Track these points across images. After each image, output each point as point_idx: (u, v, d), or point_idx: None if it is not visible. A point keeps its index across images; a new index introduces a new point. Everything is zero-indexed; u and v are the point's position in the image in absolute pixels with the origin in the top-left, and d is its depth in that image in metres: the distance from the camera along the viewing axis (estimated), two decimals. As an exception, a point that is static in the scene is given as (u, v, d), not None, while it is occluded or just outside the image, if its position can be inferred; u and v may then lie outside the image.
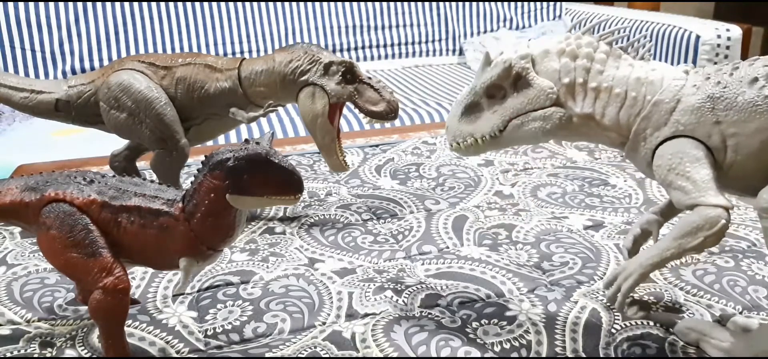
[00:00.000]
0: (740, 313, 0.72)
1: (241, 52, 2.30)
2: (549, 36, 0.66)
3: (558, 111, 0.63)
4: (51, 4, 2.12)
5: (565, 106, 0.63)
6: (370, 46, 2.48)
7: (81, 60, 2.13)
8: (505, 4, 2.66)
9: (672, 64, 2.21)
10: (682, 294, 0.75)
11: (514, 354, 0.65)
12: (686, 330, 0.66)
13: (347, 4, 2.46)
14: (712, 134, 0.59)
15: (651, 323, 0.69)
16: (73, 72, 2.11)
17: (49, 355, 0.65)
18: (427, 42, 2.55)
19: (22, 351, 0.66)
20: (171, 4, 2.25)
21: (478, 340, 0.67)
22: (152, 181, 0.63)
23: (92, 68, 2.13)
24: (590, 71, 0.63)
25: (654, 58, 2.26)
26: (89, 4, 2.16)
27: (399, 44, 2.51)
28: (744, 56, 2.17)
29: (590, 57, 0.63)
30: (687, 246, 0.58)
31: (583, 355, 0.65)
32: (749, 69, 0.58)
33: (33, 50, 2.09)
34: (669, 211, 0.72)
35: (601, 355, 0.65)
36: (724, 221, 0.57)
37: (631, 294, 0.65)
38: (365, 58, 2.46)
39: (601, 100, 0.63)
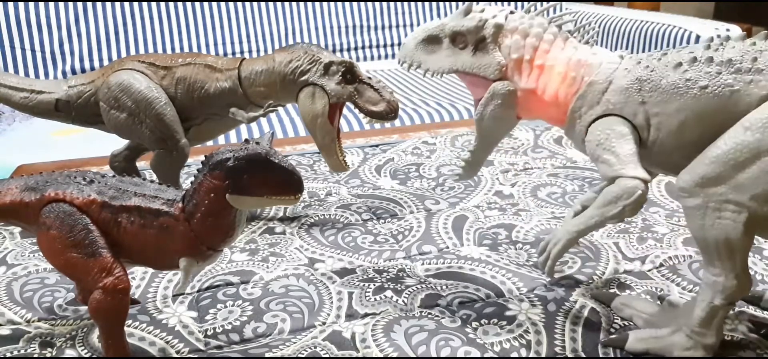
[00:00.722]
0: (734, 308, 0.72)
1: (241, 52, 2.30)
2: (502, 8, 0.71)
3: (505, 83, 0.68)
4: (51, 4, 2.11)
5: (511, 80, 0.68)
6: (370, 46, 2.47)
7: (81, 60, 2.13)
8: (505, 4, 2.66)
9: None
10: (677, 290, 0.75)
11: (514, 354, 0.65)
12: (621, 305, 0.71)
13: (347, 4, 2.45)
14: (638, 113, 0.63)
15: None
16: (73, 72, 2.11)
17: (49, 355, 0.65)
18: (427, 42, 2.55)
19: (22, 351, 0.66)
20: (171, 4, 2.25)
21: (478, 340, 0.67)
22: (152, 181, 0.63)
23: (92, 68, 2.13)
24: (538, 50, 0.68)
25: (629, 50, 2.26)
26: (89, 4, 2.16)
27: (399, 44, 2.51)
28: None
29: (539, 37, 0.68)
30: (608, 214, 0.62)
31: (583, 355, 0.65)
32: (676, 55, 0.62)
33: (33, 50, 2.09)
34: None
35: (601, 355, 0.65)
36: (640, 192, 0.61)
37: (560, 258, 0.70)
38: (365, 58, 2.46)
39: (543, 77, 0.68)
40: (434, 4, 2.56)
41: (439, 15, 2.56)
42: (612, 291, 0.75)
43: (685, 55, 0.61)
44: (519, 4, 2.67)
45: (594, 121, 0.65)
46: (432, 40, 0.71)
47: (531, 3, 0.73)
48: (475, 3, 0.71)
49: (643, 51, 2.31)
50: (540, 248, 0.72)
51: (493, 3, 0.75)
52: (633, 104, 0.63)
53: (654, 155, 0.64)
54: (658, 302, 0.72)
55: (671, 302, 0.71)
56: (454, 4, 2.58)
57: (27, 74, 2.06)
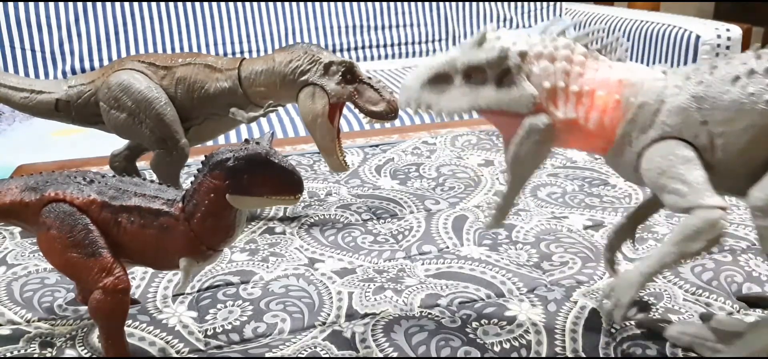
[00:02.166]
0: (737, 311, 0.72)
1: (241, 52, 2.30)
2: (520, 33, 0.63)
3: (542, 117, 0.60)
4: (51, 4, 2.11)
5: (548, 111, 0.60)
6: (370, 46, 2.47)
7: (81, 60, 2.13)
8: (505, 4, 2.66)
9: (672, 64, 2.21)
10: (681, 293, 0.75)
11: (514, 354, 0.65)
12: (678, 334, 0.66)
13: (347, 4, 2.45)
14: (699, 134, 0.58)
15: (652, 323, 0.69)
16: (73, 72, 2.11)
17: (49, 355, 0.65)
18: (427, 42, 2.55)
19: (22, 351, 0.66)
20: (171, 4, 2.25)
21: (478, 340, 0.67)
22: (152, 181, 0.63)
23: (92, 68, 2.12)
24: (570, 75, 0.61)
25: (655, 59, 2.26)
26: (89, 4, 2.16)
27: (399, 44, 2.51)
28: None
29: (569, 59, 0.61)
30: (688, 251, 0.56)
31: (583, 355, 0.65)
32: (728, 68, 0.58)
33: (33, 50, 2.09)
34: (642, 214, 0.72)
35: (601, 355, 0.65)
36: (723, 223, 0.55)
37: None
38: (365, 58, 2.46)
39: (583, 104, 0.61)
40: (434, 4, 2.56)
41: (439, 14, 2.56)
42: (656, 318, 0.70)
43: (739, 68, 0.57)
44: (517, 4, 2.67)
45: (648, 146, 0.59)
46: (441, 79, 0.63)
47: (529, 2, 0.68)
48: (489, 30, 0.62)
49: (643, 51, 2.32)
50: (604, 290, 0.62)
51: (504, 27, 0.68)
52: (693, 125, 0.58)
53: (719, 177, 0.58)
54: (701, 320, 0.69)
55: (726, 323, 0.66)
56: (454, 3, 2.58)
57: (27, 74, 2.06)
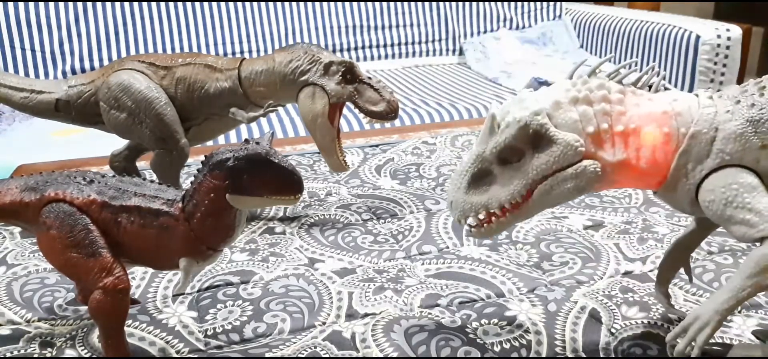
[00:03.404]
0: (739, 312, 0.72)
1: (241, 52, 2.30)
2: (547, 89, 0.60)
3: (591, 164, 0.57)
4: (51, 4, 2.11)
5: (596, 156, 0.57)
6: (370, 46, 2.47)
7: (81, 60, 2.13)
8: (505, 4, 2.66)
9: (672, 64, 2.21)
10: (681, 294, 0.75)
11: (514, 354, 0.65)
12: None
13: (347, 4, 2.45)
14: (761, 159, 0.56)
15: (651, 322, 0.69)
16: (73, 72, 2.11)
17: (49, 355, 0.65)
18: (427, 42, 2.55)
19: (22, 351, 0.66)
20: (171, 4, 2.25)
21: (478, 340, 0.67)
22: (152, 181, 0.63)
23: (92, 68, 2.12)
24: (612, 115, 0.58)
25: (655, 59, 2.26)
26: (89, 4, 2.16)
27: (399, 44, 2.51)
28: (744, 57, 2.17)
29: (607, 99, 0.58)
30: (765, 283, 0.54)
31: (583, 355, 0.65)
32: None
33: (33, 50, 2.09)
34: (694, 239, 0.69)
35: (601, 355, 0.65)
36: None
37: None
38: (365, 58, 2.46)
39: (632, 143, 0.58)
40: (434, 4, 2.56)
41: (439, 14, 2.56)
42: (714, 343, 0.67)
43: None
44: (517, 4, 2.67)
45: (706, 176, 0.57)
46: (480, 177, 0.60)
47: (529, 1, 0.64)
48: (495, 112, 0.59)
49: (643, 51, 2.31)
50: (676, 332, 0.59)
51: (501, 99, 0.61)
52: (753, 150, 0.56)
53: None
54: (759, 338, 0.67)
55: None
56: (453, 4, 2.58)
57: (27, 74, 2.06)
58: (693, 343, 0.57)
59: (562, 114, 0.57)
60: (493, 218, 0.60)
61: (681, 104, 0.59)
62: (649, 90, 0.61)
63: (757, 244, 0.55)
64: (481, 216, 0.60)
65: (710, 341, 0.64)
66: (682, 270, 0.72)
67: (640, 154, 0.58)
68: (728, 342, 0.67)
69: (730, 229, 0.57)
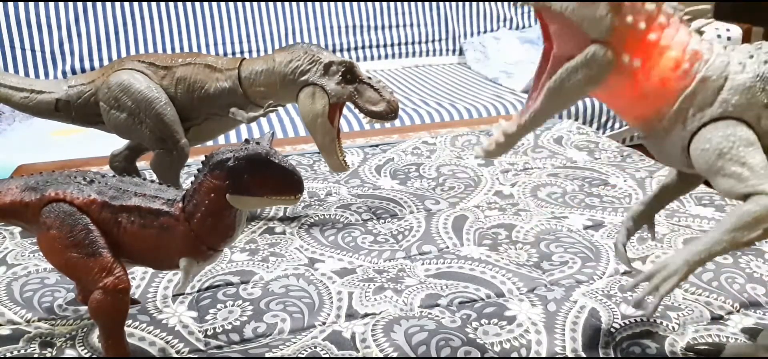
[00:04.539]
0: (737, 311, 0.72)
1: (241, 52, 2.30)
2: None
3: (602, 49, 0.54)
4: (51, 4, 2.11)
5: (616, 49, 0.54)
6: (370, 46, 2.47)
7: (81, 60, 2.13)
8: (505, 4, 2.66)
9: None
10: (680, 293, 0.75)
11: (514, 354, 0.65)
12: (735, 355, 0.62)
13: (347, 4, 2.45)
14: (762, 118, 0.55)
15: (650, 321, 0.69)
16: (73, 72, 2.11)
17: (49, 355, 0.65)
18: (427, 42, 2.55)
19: (22, 351, 0.66)
20: (171, 4, 2.25)
21: (478, 340, 0.67)
22: (152, 181, 0.63)
23: (92, 68, 2.12)
24: (654, 20, 0.55)
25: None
26: (89, 4, 2.16)
27: (399, 44, 2.51)
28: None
29: (659, 6, 0.55)
30: (742, 239, 0.53)
31: (583, 355, 0.65)
32: None
33: (33, 50, 2.09)
34: (660, 200, 0.69)
35: (601, 355, 0.65)
36: None
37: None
38: (365, 58, 2.45)
39: (653, 58, 0.55)
40: (434, 4, 2.56)
41: (439, 14, 2.56)
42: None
43: None
44: (517, 4, 2.67)
45: (705, 124, 0.56)
46: None
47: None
48: None
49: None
50: (641, 276, 0.58)
51: None
52: (757, 107, 0.55)
53: None
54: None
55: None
56: (453, 4, 2.58)
57: (27, 74, 2.06)
58: (656, 292, 0.55)
59: None
60: (503, 134, 0.58)
61: (711, 52, 0.57)
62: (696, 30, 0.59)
63: (741, 201, 0.54)
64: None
65: (705, 340, 0.64)
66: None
67: (651, 74, 0.56)
68: (724, 341, 0.67)
69: (718, 181, 0.55)
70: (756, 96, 0.55)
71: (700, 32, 0.58)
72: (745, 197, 0.54)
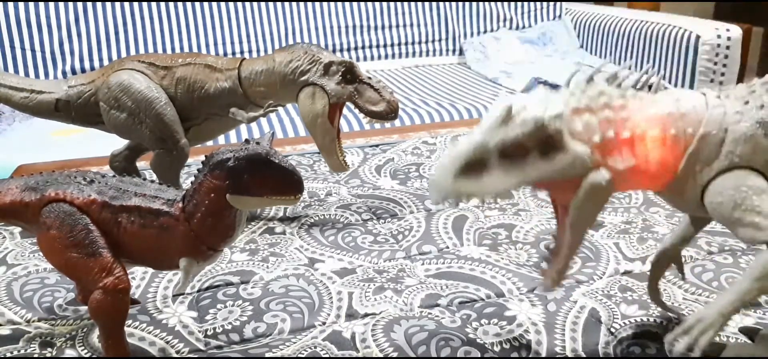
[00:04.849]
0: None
1: (241, 52, 2.30)
2: (545, 94, 0.58)
3: (600, 176, 0.56)
4: (51, 4, 2.11)
5: (606, 165, 0.56)
6: (370, 46, 2.47)
7: (81, 60, 2.13)
8: (505, 4, 2.66)
9: (672, 64, 2.21)
10: (681, 293, 0.75)
11: (514, 354, 0.65)
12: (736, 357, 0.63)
13: (347, 4, 2.45)
14: None
15: (650, 321, 0.69)
16: (73, 72, 2.11)
17: (49, 355, 0.65)
18: (427, 42, 2.55)
19: (22, 351, 0.66)
20: (171, 4, 2.25)
21: (478, 340, 0.67)
22: (152, 181, 0.63)
23: (92, 68, 2.12)
24: (616, 122, 0.56)
25: (655, 59, 2.25)
26: (89, 4, 2.16)
27: (399, 44, 2.51)
28: (744, 57, 2.17)
29: (609, 106, 0.57)
30: None
31: (583, 355, 0.65)
32: None
33: (33, 50, 2.09)
34: (686, 238, 0.69)
35: (601, 355, 0.65)
36: None
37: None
38: (365, 58, 2.46)
39: (639, 149, 0.57)
40: (434, 4, 2.56)
41: (439, 14, 2.56)
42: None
43: None
44: (517, 4, 2.67)
45: (714, 178, 0.57)
46: (475, 166, 0.57)
47: (529, 1, 0.61)
48: (513, 106, 0.56)
49: (643, 51, 2.31)
50: (679, 331, 0.58)
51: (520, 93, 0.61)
52: (763, 152, 0.55)
53: None
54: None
55: (765, 337, 0.65)
56: (453, 4, 2.58)
57: (27, 74, 2.06)
58: (696, 344, 0.56)
59: (568, 124, 0.56)
60: (557, 274, 0.60)
61: (685, 104, 0.58)
62: (649, 91, 0.60)
63: (765, 247, 0.55)
64: (464, 203, 0.58)
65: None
66: (692, 271, 0.71)
67: (649, 158, 0.57)
68: (723, 341, 0.67)
69: (738, 231, 0.56)
70: (760, 142, 0.56)
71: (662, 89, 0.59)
72: (767, 244, 0.55)
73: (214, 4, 2.30)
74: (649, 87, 0.60)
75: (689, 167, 0.57)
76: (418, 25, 2.54)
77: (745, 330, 0.68)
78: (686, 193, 0.59)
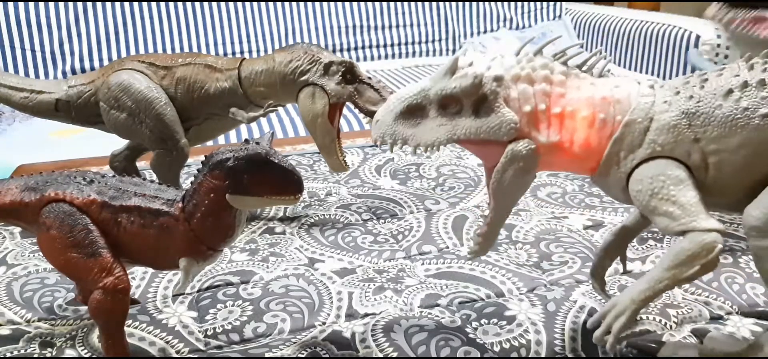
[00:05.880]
0: (736, 312, 0.72)
1: (241, 52, 2.30)
2: (496, 54, 0.60)
3: (524, 144, 0.57)
4: (51, 4, 2.11)
5: (530, 136, 0.57)
6: (370, 46, 2.47)
7: (81, 60, 2.13)
8: (505, 4, 2.66)
9: (672, 64, 2.21)
10: (680, 293, 0.75)
11: (514, 354, 0.65)
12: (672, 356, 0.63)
13: (347, 4, 2.45)
14: (692, 153, 0.56)
15: (649, 321, 0.69)
16: (73, 72, 2.11)
17: (49, 355, 0.65)
18: (427, 42, 2.55)
19: (22, 351, 0.66)
20: (171, 4, 2.25)
21: (478, 340, 0.67)
22: (152, 181, 0.63)
23: (92, 68, 2.12)
24: (551, 96, 0.58)
25: (655, 60, 2.25)
26: (89, 4, 2.16)
27: (399, 44, 2.51)
28: (744, 56, 2.17)
29: (548, 80, 0.58)
30: (682, 276, 0.54)
31: (583, 355, 0.65)
32: (720, 80, 0.56)
33: (33, 50, 2.09)
34: (632, 229, 0.69)
35: (601, 355, 0.65)
36: (719, 246, 0.53)
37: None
38: (365, 58, 2.45)
39: (567, 126, 0.58)
40: (434, 4, 2.56)
41: (439, 14, 2.56)
42: (649, 338, 0.67)
43: (732, 81, 0.55)
44: (517, 4, 2.67)
45: (637, 166, 0.57)
46: (414, 111, 0.59)
47: (529, 1, 0.63)
48: (461, 57, 0.59)
49: (643, 51, 2.31)
50: (595, 318, 0.60)
51: (478, 51, 0.64)
52: (685, 143, 0.56)
53: (714, 196, 0.56)
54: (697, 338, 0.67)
55: (714, 339, 0.65)
56: (454, 3, 2.58)
57: (27, 74, 2.06)
58: (611, 329, 0.57)
59: (505, 90, 0.57)
60: (480, 237, 0.62)
61: (622, 91, 0.59)
62: (594, 74, 0.61)
63: (679, 237, 0.55)
64: (397, 147, 0.60)
65: (650, 336, 0.66)
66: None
67: (574, 138, 0.58)
68: (664, 339, 0.67)
69: (654, 220, 0.57)
70: (683, 133, 0.56)
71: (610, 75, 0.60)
72: (679, 234, 0.55)
73: (214, 4, 2.30)
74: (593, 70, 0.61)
75: (613, 153, 0.58)
76: (418, 25, 2.54)
77: (697, 332, 0.68)
78: (611, 179, 0.59)
